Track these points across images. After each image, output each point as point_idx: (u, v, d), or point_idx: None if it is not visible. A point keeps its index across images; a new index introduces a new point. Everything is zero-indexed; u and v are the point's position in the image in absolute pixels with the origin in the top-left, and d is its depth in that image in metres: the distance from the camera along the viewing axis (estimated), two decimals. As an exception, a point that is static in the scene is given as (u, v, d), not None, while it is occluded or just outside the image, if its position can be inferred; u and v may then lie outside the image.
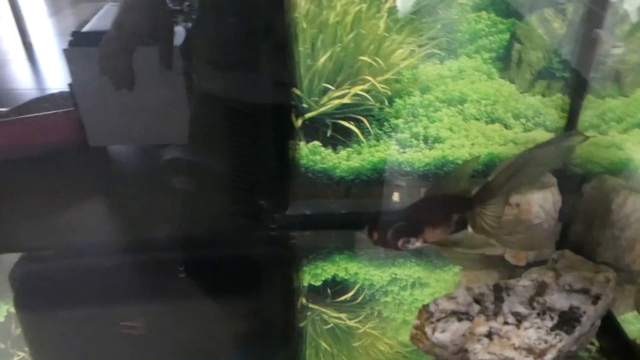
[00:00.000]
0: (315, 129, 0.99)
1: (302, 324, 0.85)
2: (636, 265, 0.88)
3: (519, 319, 0.68)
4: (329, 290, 0.91)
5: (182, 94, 0.91)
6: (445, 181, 0.78)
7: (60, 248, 1.00)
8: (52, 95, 1.03)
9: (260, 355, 0.82)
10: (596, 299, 0.71)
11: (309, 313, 0.87)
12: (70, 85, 0.90)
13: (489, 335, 0.68)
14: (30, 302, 0.92)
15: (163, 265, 0.98)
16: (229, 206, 0.99)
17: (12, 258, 0.99)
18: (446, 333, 0.68)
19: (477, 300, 0.70)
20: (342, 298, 0.89)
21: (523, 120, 0.98)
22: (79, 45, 0.86)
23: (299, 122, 0.99)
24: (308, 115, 0.98)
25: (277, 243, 1.05)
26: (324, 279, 0.94)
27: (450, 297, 0.70)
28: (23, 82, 1.09)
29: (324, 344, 0.80)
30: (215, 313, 0.90)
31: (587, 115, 0.98)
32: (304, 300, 0.90)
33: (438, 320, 0.69)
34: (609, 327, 0.77)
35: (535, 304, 0.70)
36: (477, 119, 0.99)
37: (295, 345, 0.83)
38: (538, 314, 0.68)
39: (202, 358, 0.82)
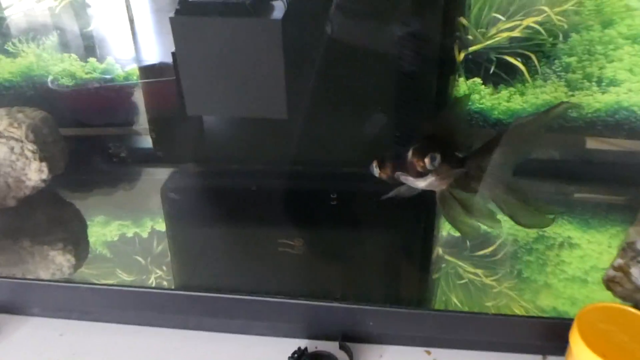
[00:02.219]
0: (477, 64, 0.92)
1: (435, 275, 0.81)
2: None
3: None
4: (468, 243, 0.86)
5: (283, 69, 0.88)
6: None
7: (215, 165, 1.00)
8: (153, 65, 1.03)
9: (391, 295, 0.79)
10: None
11: (443, 265, 0.82)
12: (173, 54, 0.89)
13: None
14: (182, 216, 0.92)
15: (319, 193, 0.96)
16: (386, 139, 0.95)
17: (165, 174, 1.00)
18: (658, 275, 0.61)
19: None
20: (481, 252, 0.83)
21: None
22: (185, 14, 0.85)
23: (461, 56, 0.92)
24: (472, 48, 0.91)
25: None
26: (464, 229, 0.87)
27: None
28: (126, 54, 1.10)
29: (454, 299, 0.75)
30: (358, 243, 0.88)
31: None
32: (440, 251, 0.86)
33: (649, 259, 0.61)
34: None
35: None
36: (664, 61, 0.88)
37: (426, 294, 0.80)
38: None
39: (345, 282, 0.80)
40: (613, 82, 0.91)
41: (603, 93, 0.92)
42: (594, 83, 0.91)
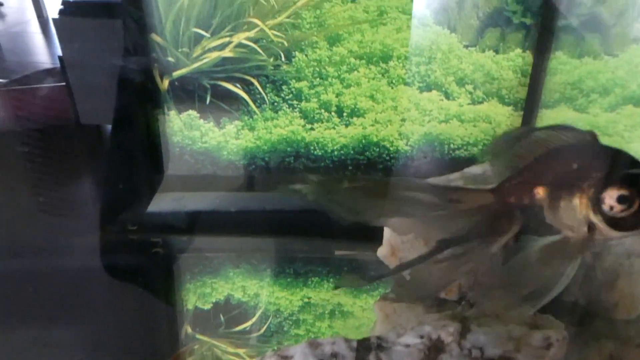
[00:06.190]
0: (189, 93, 0.78)
1: (188, 360, 0.68)
2: (619, 310, 0.57)
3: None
4: (221, 317, 0.73)
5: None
6: None
7: None
8: (54, 69, 0.97)
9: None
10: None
11: (196, 347, 0.70)
12: (60, 57, 0.81)
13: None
14: None
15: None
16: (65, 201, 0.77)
17: None
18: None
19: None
20: (240, 328, 0.72)
21: (470, 87, 0.74)
22: (69, 15, 0.77)
23: (165, 84, 0.76)
24: (177, 73, 0.76)
25: (137, 251, 0.82)
26: (214, 300, 0.76)
27: (281, 356, 0.44)
28: (37, 56, 1.09)
29: (217, 389, 0.64)
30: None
31: (556, 83, 0.74)
32: (189, 329, 0.73)
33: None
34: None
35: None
36: (406, 84, 0.76)
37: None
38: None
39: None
40: (355, 112, 0.78)
41: (347, 126, 0.79)
42: (333, 113, 0.78)
